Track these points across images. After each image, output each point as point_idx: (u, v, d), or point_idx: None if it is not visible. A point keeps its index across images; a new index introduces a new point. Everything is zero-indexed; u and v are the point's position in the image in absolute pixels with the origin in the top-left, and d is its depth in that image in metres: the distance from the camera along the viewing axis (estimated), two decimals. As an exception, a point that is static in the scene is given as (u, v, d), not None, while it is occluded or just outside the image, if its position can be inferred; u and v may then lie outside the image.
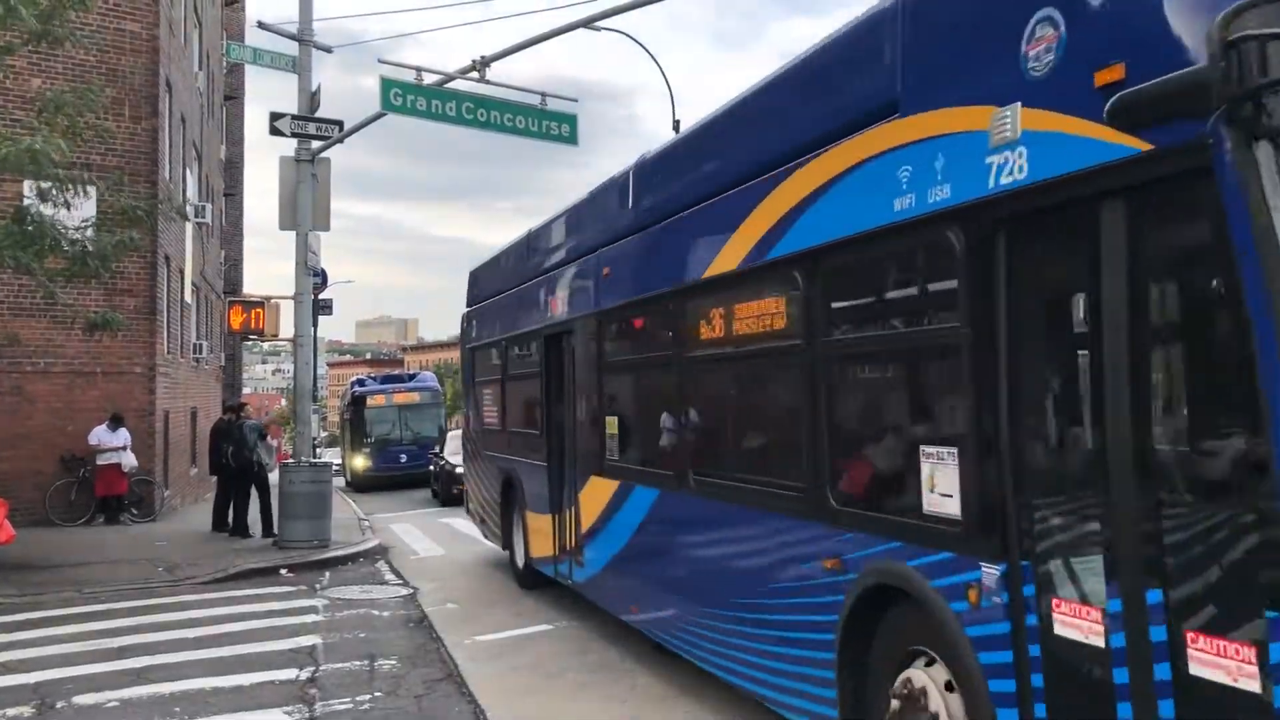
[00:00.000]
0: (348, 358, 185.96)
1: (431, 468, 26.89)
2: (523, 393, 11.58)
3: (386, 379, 35.89)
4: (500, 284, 12.77)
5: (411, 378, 36.11)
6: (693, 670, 7.74)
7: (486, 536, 14.01)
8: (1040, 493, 3.92)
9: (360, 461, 31.54)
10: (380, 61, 13.65)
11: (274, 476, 19.83)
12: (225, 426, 17.53)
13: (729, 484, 6.38)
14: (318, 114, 15.91)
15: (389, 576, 13.37)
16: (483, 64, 13.75)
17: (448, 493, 23.25)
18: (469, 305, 14.63)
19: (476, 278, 14.39)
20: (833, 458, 5.20)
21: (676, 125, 28.54)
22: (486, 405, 13.65)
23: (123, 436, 18.20)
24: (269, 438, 19.46)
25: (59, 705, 7.52)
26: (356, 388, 33.99)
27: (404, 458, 30.75)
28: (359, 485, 31.34)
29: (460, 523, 18.92)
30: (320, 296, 32.48)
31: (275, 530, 15.82)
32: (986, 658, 4.07)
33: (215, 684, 7.93)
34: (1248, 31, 3.01)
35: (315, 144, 15.72)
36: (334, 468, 21.29)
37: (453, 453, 23.36)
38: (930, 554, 4.38)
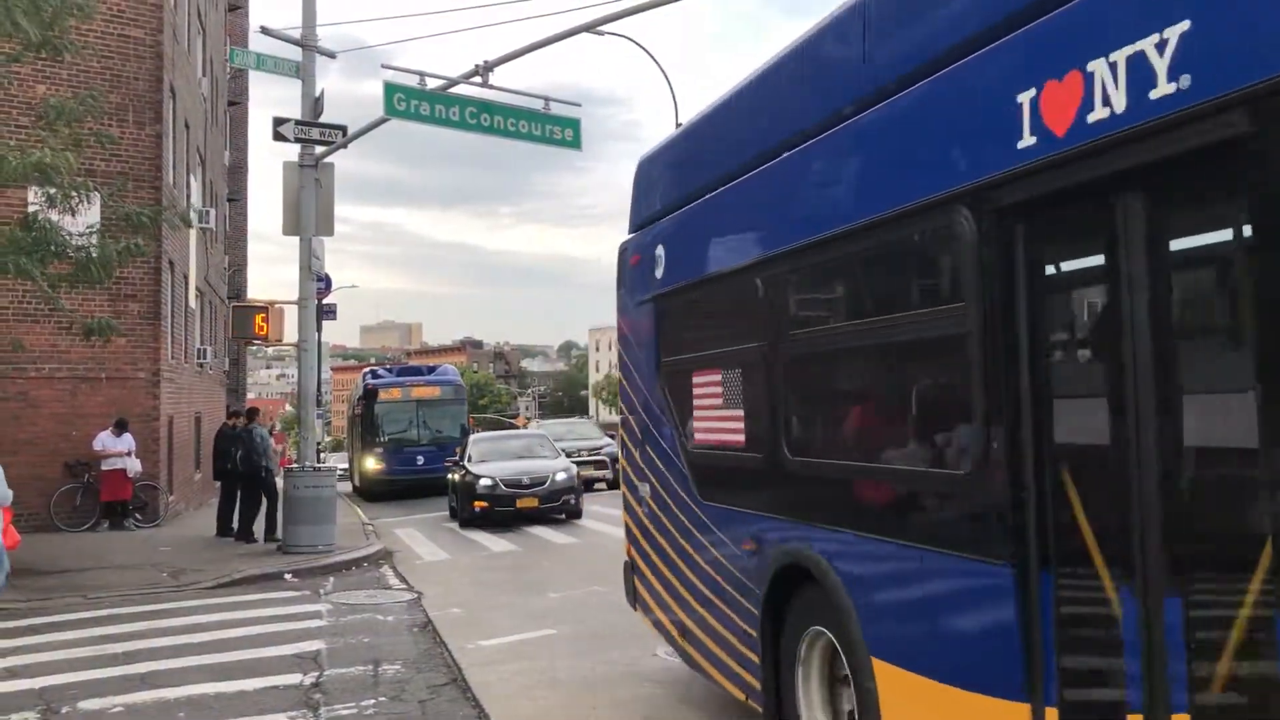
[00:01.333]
0: (352, 362, 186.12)
1: (451, 477, 21.79)
2: (867, 378, 5.05)
3: (403, 370, 32.93)
4: (754, 147, 5.86)
5: (431, 370, 32.60)
6: (701, 682, 7.75)
7: (695, 664, 6.91)
8: None
9: (371, 464, 28.55)
10: (384, 67, 13.69)
11: (279, 482, 19.88)
12: (233, 432, 17.56)
13: None
14: (321, 119, 15.94)
15: (393, 581, 13.37)
16: (486, 69, 13.79)
17: (468, 511, 19.37)
18: (639, 224, 7.92)
19: (666, 164, 7.60)
20: None
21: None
22: (716, 407, 6.41)
23: (127, 442, 18.22)
24: (273, 444, 19.50)
25: (64, 710, 7.53)
26: (369, 379, 31.03)
27: (420, 460, 27.75)
28: (369, 491, 28.59)
29: (469, 530, 18.82)
30: (324, 301, 32.21)
31: (278, 535, 15.82)
32: None
33: (220, 689, 7.93)
34: None
35: (319, 149, 15.75)
36: (338, 471, 21.22)
37: (479, 459, 20.56)
38: None
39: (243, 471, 16.85)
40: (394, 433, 28.97)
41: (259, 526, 16.70)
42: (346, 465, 37.69)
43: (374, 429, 29.03)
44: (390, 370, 32.01)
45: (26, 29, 11.87)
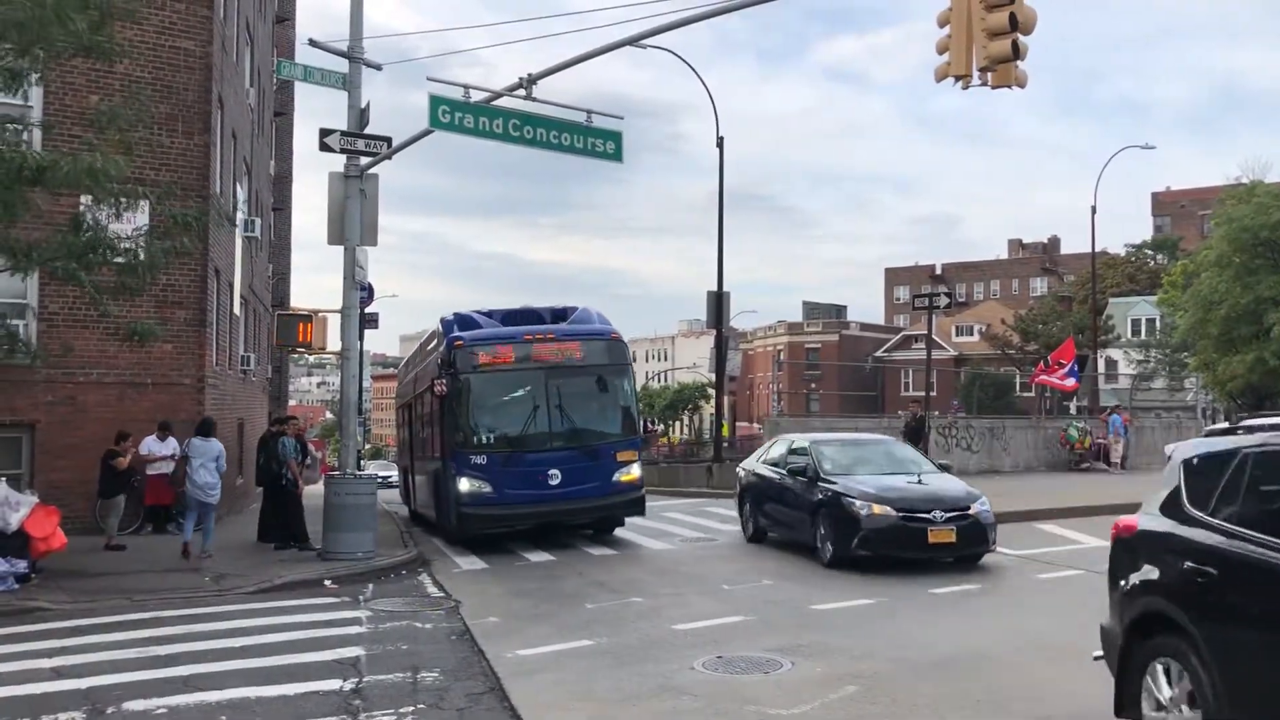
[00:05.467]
0: (391, 371, 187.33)
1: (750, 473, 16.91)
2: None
3: (511, 316, 18.76)
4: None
5: (562, 315, 18.62)
6: (741, 694, 7.74)
7: None
8: None
9: (466, 486, 16.09)
10: (429, 79, 13.83)
11: (318, 488, 20.02)
12: (267, 438, 17.82)
13: None
14: (367, 130, 16.10)
15: (431, 589, 13.44)
16: (530, 82, 13.89)
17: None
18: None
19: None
20: None
21: (720, 142, 28.64)
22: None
23: (171, 446, 18.44)
24: (311, 449, 19.67)
25: (109, 711, 7.64)
26: (456, 333, 17.19)
27: (556, 478, 16.08)
28: (463, 530, 16.53)
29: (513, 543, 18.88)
30: (367, 310, 32.29)
31: (294, 542, 16.45)
32: None
33: (261, 693, 8.02)
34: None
35: (364, 160, 15.92)
36: (379, 479, 21.15)
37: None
38: None
39: (265, 480, 17.13)
40: (507, 430, 16.63)
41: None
42: (397, 478, 28.33)
43: (468, 423, 16.42)
44: (490, 316, 18.33)
45: (77, 28, 12.07)
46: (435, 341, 19.06)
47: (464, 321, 17.82)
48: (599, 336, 17.39)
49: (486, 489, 16.06)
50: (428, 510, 19.66)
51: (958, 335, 78.99)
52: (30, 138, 15.25)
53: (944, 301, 23.04)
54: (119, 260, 13.92)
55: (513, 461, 16.22)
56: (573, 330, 17.51)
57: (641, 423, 17.68)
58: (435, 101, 13.57)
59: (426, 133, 14.48)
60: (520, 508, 16.18)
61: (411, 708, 7.64)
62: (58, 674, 8.81)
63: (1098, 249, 43.88)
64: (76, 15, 11.85)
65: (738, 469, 18.20)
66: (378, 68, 16.75)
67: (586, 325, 17.81)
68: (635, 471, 16.86)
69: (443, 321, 18.27)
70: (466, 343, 16.69)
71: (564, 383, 16.73)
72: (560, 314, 18.62)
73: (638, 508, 17.17)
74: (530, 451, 16.40)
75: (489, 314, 18.38)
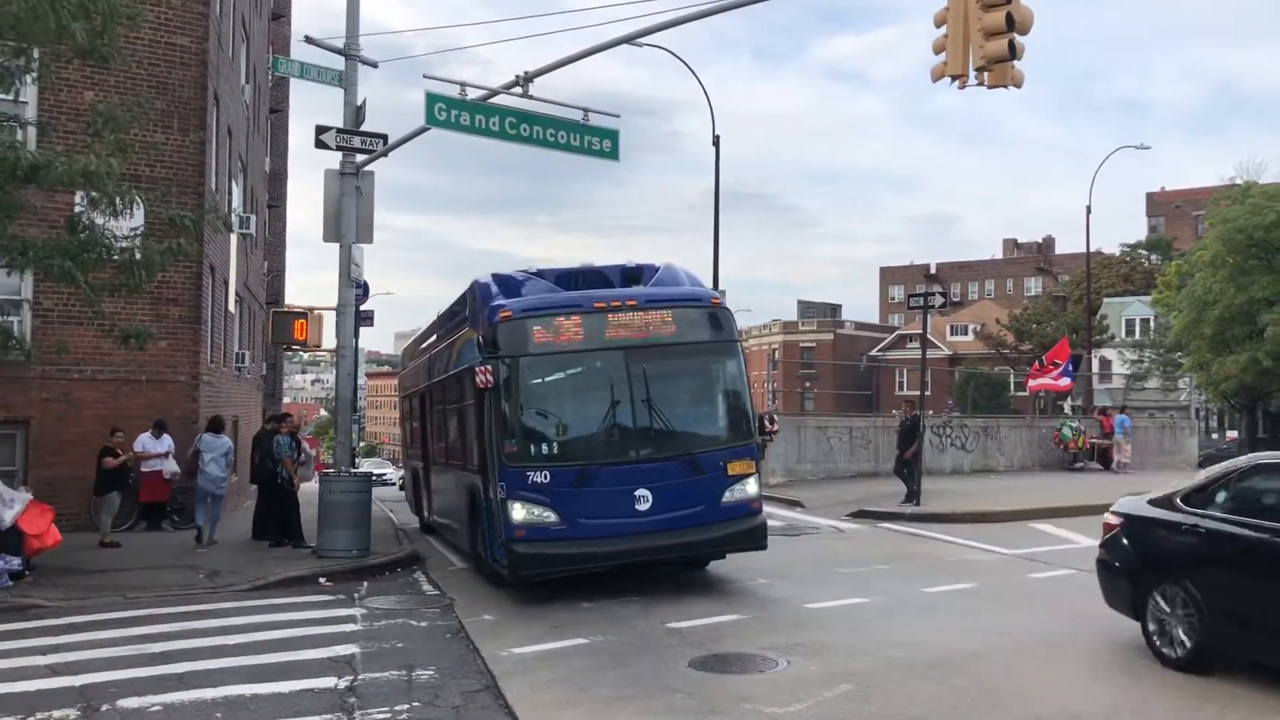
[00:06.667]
0: (386, 368, 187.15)
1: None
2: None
3: (568, 278, 13.57)
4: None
5: (638, 274, 13.88)
6: (731, 692, 7.76)
7: None
8: None
9: (520, 514, 11.47)
10: (426, 77, 13.82)
11: (313, 485, 20.00)
12: (261, 436, 17.82)
13: None
14: (363, 128, 16.09)
15: (426, 587, 13.45)
16: (526, 80, 13.88)
17: None
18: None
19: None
20: None
21: (716, 140, 28.66)
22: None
23: (166, 444, 18.42)
24: (305, 447, 19.65)
25: (104, 708, 7.65)
26: (499, 301, 12.41)
27: (646, 500, 11.66)
28: (517, 572, 11.62)
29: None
30: (362, 308, 32.20)
31: (289, 540, 16.43)
32: None
33: (256, 690, 8.03)
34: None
35: (360, 157, 15.91)
36: (374, 476, 21.01)
37: None
38: None
39: (260, 478, 17.15)
40: (576, 435, 12.15)
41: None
42: (397, 477, 23.97)
43: (521, 426, 11.89)
44: (539, 276, 13.50)
45: (75, 33, 12.06)
46: (466, 312, 14.08)
47: (506, 285, 12.89)
48: (696, 303, 12.52)
49: (550, 518, 11.34)
50: (453, 533, 15.76)
51: (952, 335, 79.14)
52: (25, 136, 15.24)
53: (938, 301, 22.98)
54: (115, 260, 13.90)
55: (587, 479, 11.49)
56: (661, 295, 12.60)
57: (757, 420, 12.60)
58: (432, 99, 13.56)
59: (423, 130, 14.48)
60: (598, 544, 11.45)
61: (406, 705, 7.65)
62: (52, 671, 8.81)
63: (1093, 249, 43.95)
64: (76, 22, 11.81)
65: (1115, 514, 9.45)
66: (374, 65, 16.73)
67: (677, 288, 12.95)
68: (752, 488, 12.10)
69: (477, 286, 13.24)
70: (516, 314, 11.85)
71: (652, 368, 11.95)
72: (633, 274, 13.70)
73: (756, 538, 12.12)
74: (609, 464, 11.61)
75: (538, 274, 13.41)
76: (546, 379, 12.23)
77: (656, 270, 13.58)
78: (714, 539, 11.96)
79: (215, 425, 17.06)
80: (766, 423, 13.09)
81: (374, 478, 20.39)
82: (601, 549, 11.53)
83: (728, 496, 11.94)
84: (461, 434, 14.17)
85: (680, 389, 12.47)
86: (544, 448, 11.76)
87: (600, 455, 11.73)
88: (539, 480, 11.43)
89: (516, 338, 11.80)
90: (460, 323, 14.67)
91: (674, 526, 11.63)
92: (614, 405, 11.82)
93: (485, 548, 12.72)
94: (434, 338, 17.77)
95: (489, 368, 11.61)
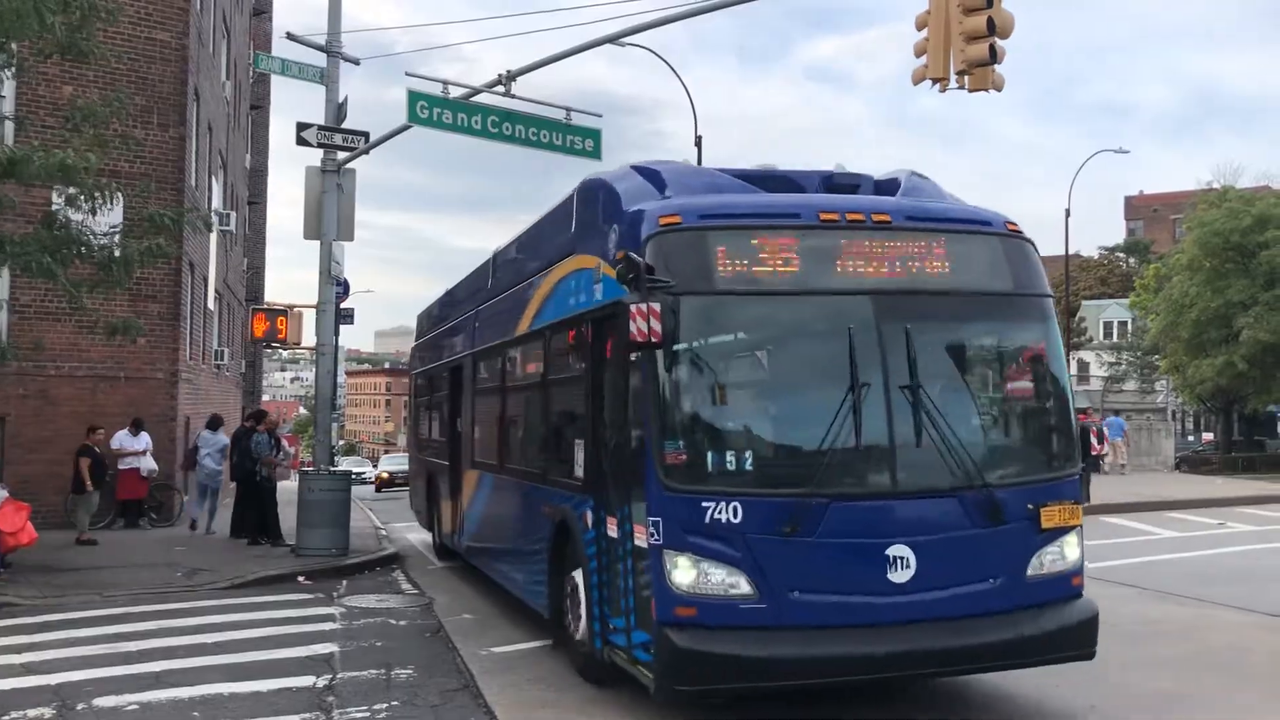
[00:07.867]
0: (366, 367, 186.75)
1: None
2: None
3: (771, 179, 8.03)
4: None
5: (852, 186, 8.09)
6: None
7: None
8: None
9: (689, 574, 6.40)
10: (408, 74, 13.78)
11: (292, 484, 19.94)
12: (240, 434, 17.75)
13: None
14: (344, 125, 16.04)
15: (405, 586, 13.42)
16: (509, 78, 13.88)
17: None
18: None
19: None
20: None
21: (699, 141, 28.64)
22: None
23: (144, 441, 18.33)
24: (284, 444, 19.59)
25: (79, 707, 7.59)
26: (653, 203, 7.29)
27: (907, 566, 6.52)
28: (678, 677, 6.45)
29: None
30: (342, 306, 31.92)
31: (267, 538, 16.42)
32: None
33: (233, 689, 7.99)
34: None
35: (341, 155, 15.86)
36: (353, 475, 20.97)
37: None
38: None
39: (238, 475, 17.10)
40: (788, 443, 7.04)
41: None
42: (415, 494, 18.34)
43: (691, 421, 6.70)
44: (730, 176, 8.01)
45: (55, 29, 11.99)
46: (572, 228, 9.02)
47: (656, 180, 7.97)
48: (986, 229, 7.49)
49: (741, 588, 6.52)
50: (512, 580, 10.75)
51: (933, 336, 79.28)
52: (2, 130, 15.13)
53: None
54: (94, 257, 13.80)
55: (807, 523, 6.54)
56: (932, 212, 7.61)
57: (1079, 428, 8.69)
58: (414, 97, 13.53)
59: (404, 128, 14.43)
60: (824, 641, 6.51)
61: (385, 704, 7.63)
62: (27, 670, 8.75)
63: (1071, 252, 44.19)
64: (55, 17, 11.73)
65: None
66: (356, 62, 16.69)
67: (950, 206, 7.99)
68: (1073, 553, 7.22)
69: (597, 186, 8.52)
70: (689, 221, 6.99)
71: (920, 331, 6.96)
72: (893, 184, 8.27)
73: (1083, 639, 7.02)
74: (846, 497, 6.72)
75: (721, 172, 8.32)
76: (739, 339, 7.18)
77: (895, 181, 8.29)
78: (1017, 642, 6.79)
79: (214, 423, 18.59)
80: (1094, 440, 8.32)
81: (353, 476, 20.34)
82: (831, 651, 6.49)
83: (1036, 566, 7.03)
84: (544, 426, 9.43)
85: (966, 371, 7.59)
86: (732, 461, 6.72)
87: (830, 481, 6.68)
88: (724, 520, 6.50)
89: (691, 263, 6.82)
90: (551, 250, 9.53)
91: (951, 614, 6.70)
92: (854, 393, 6.68)
93: (598, 622, 7.69)
94: (489, 283, 12.64)
95: (642, 309, 6.39)
